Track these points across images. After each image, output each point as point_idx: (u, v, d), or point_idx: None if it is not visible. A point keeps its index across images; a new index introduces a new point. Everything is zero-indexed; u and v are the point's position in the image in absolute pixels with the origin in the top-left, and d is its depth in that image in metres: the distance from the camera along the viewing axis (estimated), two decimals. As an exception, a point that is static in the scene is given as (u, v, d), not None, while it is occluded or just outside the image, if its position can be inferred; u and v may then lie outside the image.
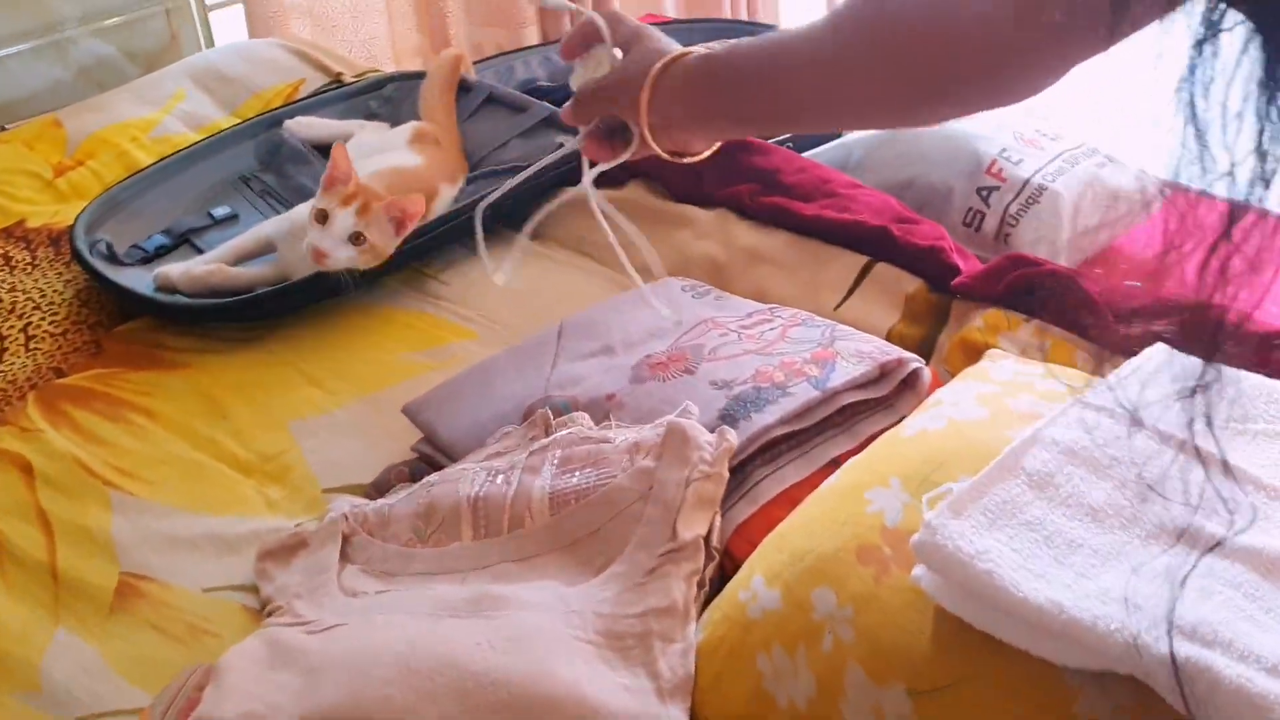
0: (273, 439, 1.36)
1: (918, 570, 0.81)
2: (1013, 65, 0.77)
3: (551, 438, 1.16)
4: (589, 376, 1.26)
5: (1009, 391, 1.05)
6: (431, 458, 1.27)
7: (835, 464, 1.11)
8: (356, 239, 1.47)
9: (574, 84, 1.01)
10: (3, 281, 1.66)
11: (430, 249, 1.62)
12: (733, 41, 0.92)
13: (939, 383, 1.19)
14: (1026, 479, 0.86)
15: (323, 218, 1.47)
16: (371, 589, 1.08)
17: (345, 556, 1.14)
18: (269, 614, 1.09)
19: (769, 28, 2.44)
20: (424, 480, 1.18)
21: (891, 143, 1.73)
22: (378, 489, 1.26)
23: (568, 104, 1.00)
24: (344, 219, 1.46)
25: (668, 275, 1.50)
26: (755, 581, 0.93)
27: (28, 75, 2.25)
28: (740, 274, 1.49)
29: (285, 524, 1.24)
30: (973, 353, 1.25)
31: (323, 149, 1.85)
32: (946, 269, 1.35)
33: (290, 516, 1.25)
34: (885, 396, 1.17)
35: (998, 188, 1.60)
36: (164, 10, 2.40)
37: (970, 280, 1.32)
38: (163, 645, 1.11)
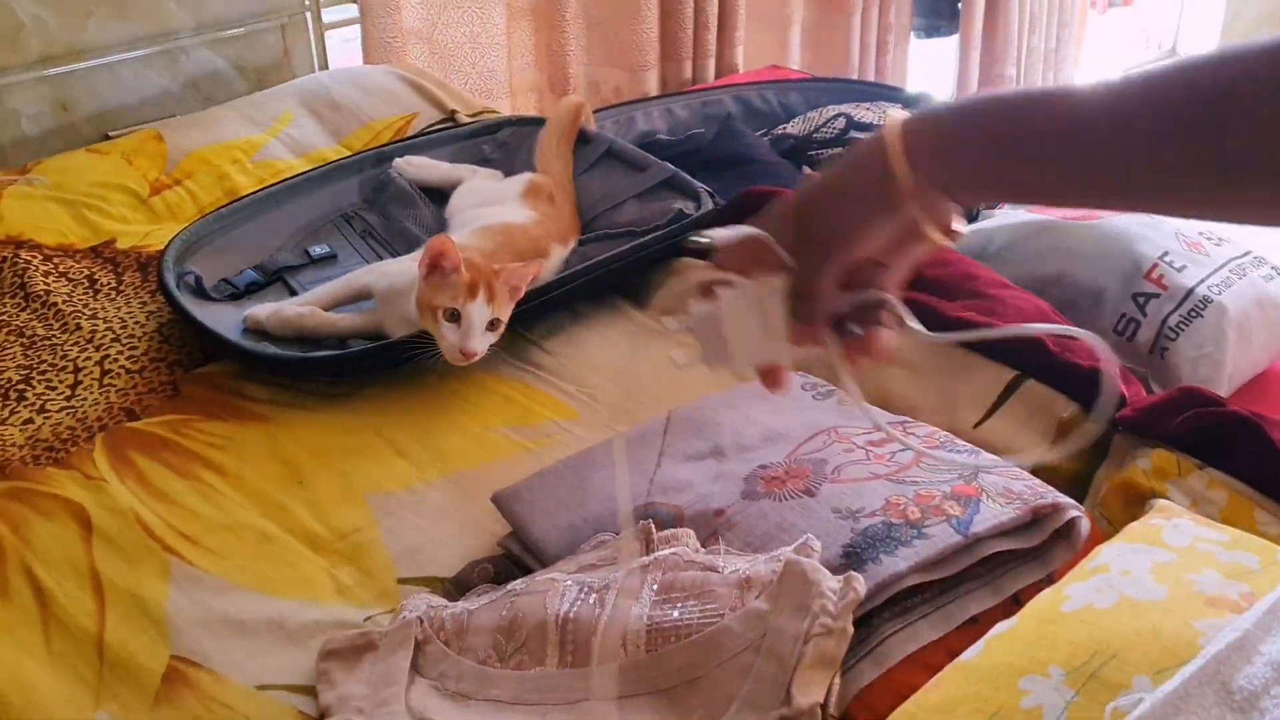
0: (349, 514, 1.25)
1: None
2: None
3: (652, 556, 1.04)
4: (696, 484, 1.14)
5: (1189, 564, 0.91)
6: (519, 557, 1.15)
7: (974, 622, 0.98)
8: (493, 325, 1.38)
9: (707, 357, 0.82)
10: (85, 306, 1.58)
11: (535, 314, 1.50)
12: (1011, 93, 0.73)
13: (1097, 533, 1.05)
14: (1228, 698, 0.72)
15: (453, 317, 1.36)
16: (441, 714, 0.97)
17: (416, 667, 1.03)
18: (326, 726, 0.99)
19: (894, 90, 2.32)
20: (509, 586, 1.06)
21: (1041, 233, 1.60)
22: (458, 587, 1.15)
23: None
24: (479, 312, 1.36)
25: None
26: (882, 769, 0.80)
27: (137, 82, 2.19)
28: (865, 374, 1.36)
29: (354, 614, 1.13)
30: (1134, 498, 1.11)
31: (430, 192, 1.75)
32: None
33: (360, 606, 1.15)
34: (1035, 547, 1.03)
35: (1157, 295, 1.46)
36: (279, 25, 2.33)
37: (1137, 413, 1.18)
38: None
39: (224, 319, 1.50)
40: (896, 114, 0.71)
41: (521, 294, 1.41)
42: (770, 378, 0.81)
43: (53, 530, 1.23)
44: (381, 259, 1.66)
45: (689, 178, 1.68)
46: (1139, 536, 0.96)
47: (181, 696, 1.06)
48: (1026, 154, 0.67)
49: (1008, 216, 1.67)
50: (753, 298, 0.75)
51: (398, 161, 1.79)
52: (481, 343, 1.37)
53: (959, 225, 0.72)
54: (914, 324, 0.76)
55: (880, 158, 0.68)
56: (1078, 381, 1.23)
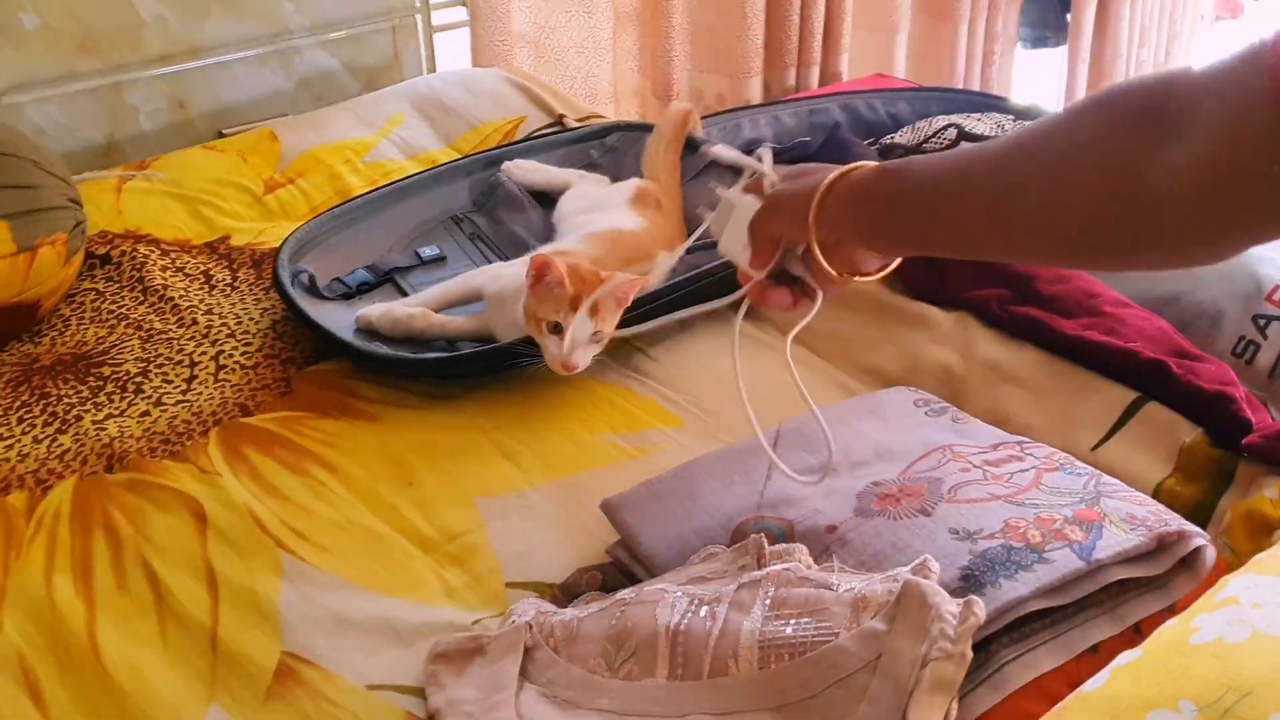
0: (459, 515, 1.26)
1: None
2: (1210, 227, 0.72)
3: (765, 571, 1.03)
4: (807, 498, 1.13)
5: (1323, 600, 0.88)
6: (627, 566, 1.15)
7: (1094, 651, 0.96)
8: (596, 336, 1.38)
9: (714, 230, 1.03)
10: (201, 302, 1.61)
11: (641, 322, 1.50)
12: (914, 158, 0.89)
13: (1220, 562, 1.02)
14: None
15: (556, 329, 1.36)
16: (551, 723, 0.97)
17: (525, 673, 1.03)
18: (437, 731, 0.99)
19: (999, 99, 2.28)
20: (618, 595, 1.06)
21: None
22: (566, 593, 1.15)
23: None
24: (581, 326, 1.35)
25: (896, 378, 1.36)
26: (1003, 799, 0.79)
27: (251, 81, 2.24)
28: (978, 390, 1.34)
29: (462, 617, 1.14)
30: (1260, 527, 1.08)
31: (538, 196, 1.76)
32: (1234, 422, 1.18)
33: (469, 608, 1.15)
34: (1158, 575, 1.00)
35: (1278, 317, 1.42)
36: (390, 27, 2.36)
37: (1265, 440, 1.14)
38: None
39: (336, 318, 1.52)
40: (832, 170, 0.92)
41: (628, 304, 1.41)
42: (743, 278, 1.03)
43: (169, 523, 1.25)
44: (490, 262, 1.67)
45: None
46: (1269, 568, 0.93)
47: (292, 693, 1.07)
48: (922, 215, 0.87)
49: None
50: (745, 212, 0.99)
51: (507, 165, 1.80)
52: (583, 356, 1.37)
53: (870, 267, 0.96)
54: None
55: (806, 203, 0.91)
56: (1201, 405, 1.21)
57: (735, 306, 1.06)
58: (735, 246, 1.01)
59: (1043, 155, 0.78)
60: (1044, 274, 1.40)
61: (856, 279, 0.96)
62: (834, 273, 0.94)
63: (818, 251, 0.92)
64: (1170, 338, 1.30)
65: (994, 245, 0.87)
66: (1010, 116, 1.97)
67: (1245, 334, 1.42)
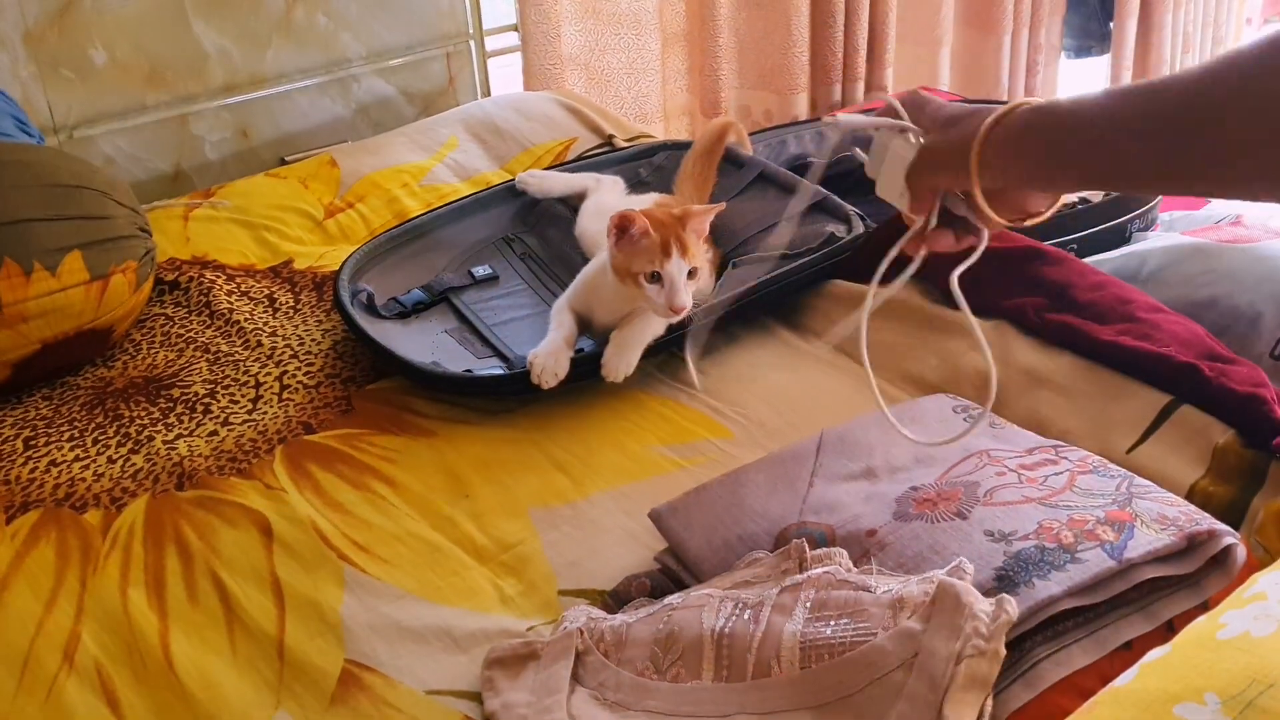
0: (513, 526, 1.30)
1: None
2: None
3: (806, 575, 1.06)
4: (848, 504, 1.16)
5: (1350, 595, 0.90)
6: (675, 572, 1.19)
7: (1128, 648, 0.98)
8: (692, 274, 1.46)
9: (870, 172, 1.00)
10: (265, 325, 1.67)
11: (688, 336, 1.55)
12: (1059, 99, 0.85)
13: (1253, 561, 1.04)
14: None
15: (655, 278, 1.44)
16: (602, 723, 1.01)
17: (576, 677, 1.07)
18: (491, 733, 1.03)
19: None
20: (665, 601, 1.10)
21: (1195, 256, 1.58)
22: (616, 600, 1.19)
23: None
24: (678, 268, 1.44)
25: (936, 386, 1.40)
26: (1033, 791, 0.81)
27: (312, 110, 2.31)
28: (1016, 396, 1.37)
29: (517, 624, 1.18)
30: (1293, 528, 1.10)
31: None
32: (1266, 422, 1.20)
33: (523, 616, 1.20)
34: (1189, 574, 1.03)
35: (1318, 320, 1.43)
36: (444, 54, 2.42)
37: (1297, 441, 1.17)
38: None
39: (393, 336, 1.57)
40: (985, 115, 0.87)
41: (706, 234, 1.49)
42: (906, 220, 1.00)
43: (236, 538, 1.31)
44: (540, 280, 1.72)
45: (839, 200, 1.71)
46: (1298, 566, 0.96)
47: (355, 699, 1.12)
48: (1054, 155, 0.84)
49: (1160, 239, 1.66)
50: (898, 158, 0.95)
51: (521, 177, 1.86)
52: (688, 296, 1.45)
53: (1037, 207, 0.92)
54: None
55: (964, 154, 0.87)
56: (1234, 407, 1.23)
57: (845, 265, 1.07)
58: (892, 192, 0.98)
59: (1236, 84, 0.74)
60: (1080, 282, 1.43)
61: (1026, 222, 0.93)
62: (999, 219, 0.91)
63: (981, 200, 0.88)
64: (1203, 341, 1.32)
65: (1179, 178, 0.81)
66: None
67: (1284, 335, 1.44)
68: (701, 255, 1.47)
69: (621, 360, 1.45)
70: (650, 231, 1.42)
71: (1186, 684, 0.83)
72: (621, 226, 1.43)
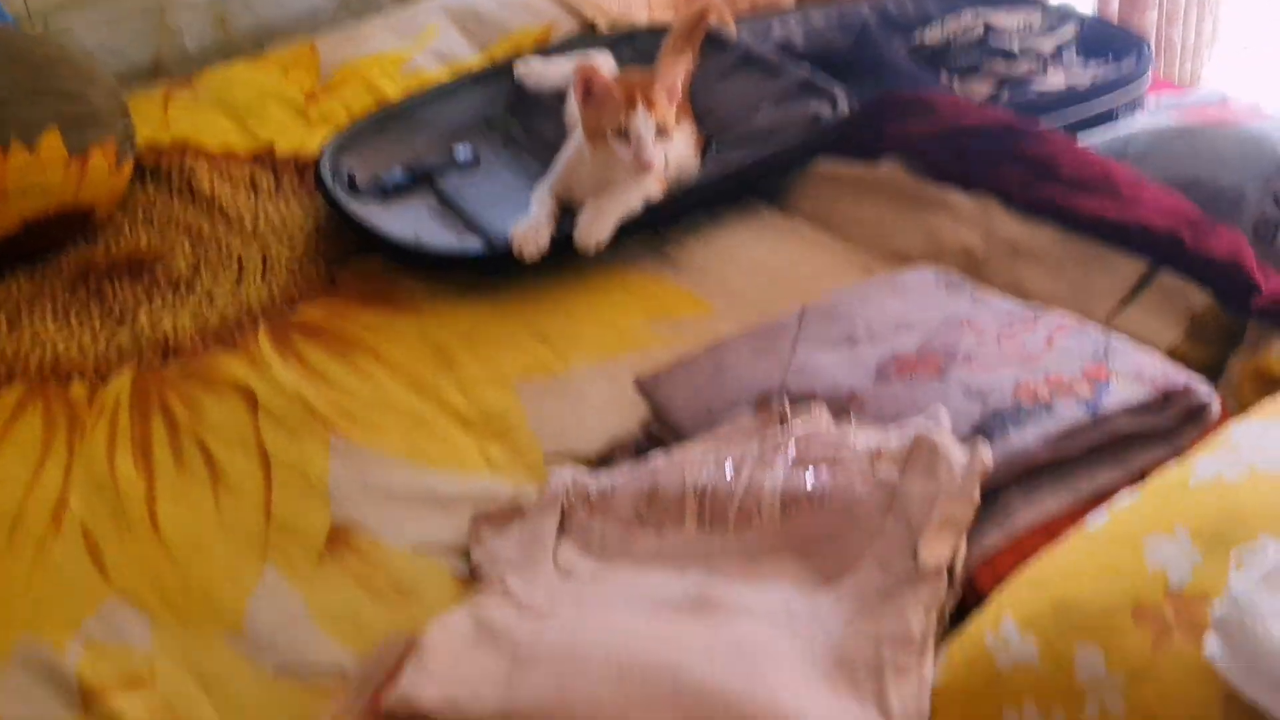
0: (498, 396, 1.31)
1: (1213, 647, 0.71)
2: None
3: (787, 432, 1.08)
4: (829, 369, 1.17)
5: (1321, 440, 0.91)
6: (659, 437, 1.20)
7: (1101, 498, 1.00)
8: (662, 132, 1.46)
9: None
10: (247, 206, 1.67)
11: (674, 215, 1.55)
12: None
13: (1227, 417, 1.06)
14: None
15: (623, 134, 1.45)
16: (587, 570, 1.03)
17: (563, 530, 1.08)
18: (479, 584, 1.05)
19: None
20: (649, 461, 1.11)
21: (1180, 137, 1.58)
22: (601, 464, 1.20)
23: None
24: (643, 123, 1.45)
25: (920, 261, 1.40)
26: (1006, 625, 0.83)
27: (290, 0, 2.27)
28: (1000, 269, 1.37)
29: (503, 486, 1.20)
30: (1268, 385, 1.12)
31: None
32: (1244, 285, 1.21)
33: (509, 479, 1.21)
34: (1165, 427, 1.04)
35: (1300, 197, 1.43)
36: (423, -58, 2.38)
37: (1274, 302, 1.17)
38: (367, 603, 1.08)
39: (375, 215, 1.57)
40: None
41: (679, 96, 1.49)
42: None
43: (222, 407, 1.32)
44: (522, 164, 1.72)
45: (826, 79, 1.70)
46: (1269, 413, 0.97)
47: (343, 556, 1.13)
48: None
49: (1147, 120, 1.65)
50: None
51: (518, 70, 1.85)
52: (656, 152, 1.46)
53: None
54: None
55: None
56: (1213, 271, 1.24)
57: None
58: None
59: None
60: (1062, 155, 1.43)
61: None
62: None
63: None
64: (1184, 209, 1.32)
65: None
66: (1039, 13, 1.98)
67: (1267, 214, 1.44)
68: (669, 115, 1.47)
69: (594, 228, 1.45)
70: (613, 88, 1.43)
71: (1158, 521, 0.85)
72: (585, 83, 1.43)
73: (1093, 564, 0.84)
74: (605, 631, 0.90)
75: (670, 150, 1.53)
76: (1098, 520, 0.91)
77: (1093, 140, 1.60)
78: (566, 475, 1.14)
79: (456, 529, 1.14)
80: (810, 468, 1.02)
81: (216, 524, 1.18)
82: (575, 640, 0.89)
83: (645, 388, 1.24)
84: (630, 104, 1.42)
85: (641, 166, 1.43)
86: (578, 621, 0.92)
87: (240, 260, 1.56)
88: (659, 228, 1.55)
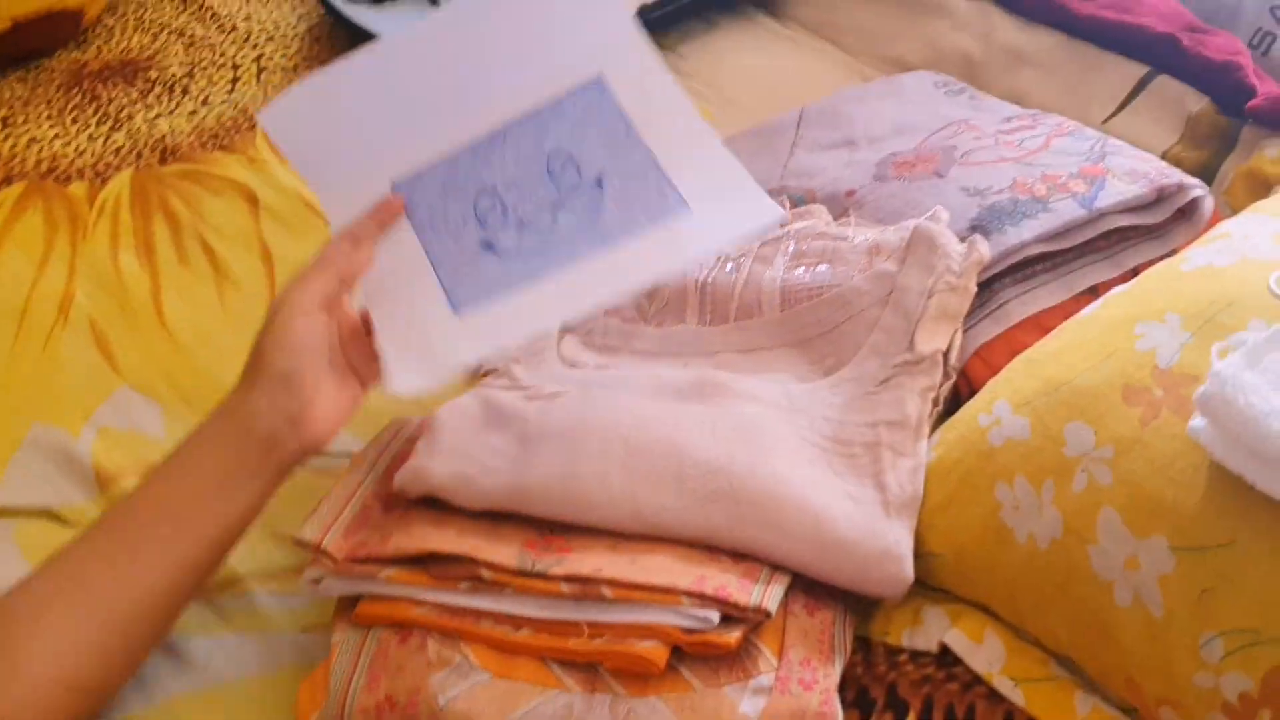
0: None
1: (1197, 422, 0.74)
2: None
3: (786, 229, 1.09)
4: (828, 169, 1.19)
5: (1310, 233, 0.94)
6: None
7: (1093, 293, 1.02)
8: None
9: None
10: (239, 10, 1.65)
11: (668, 21, 1.53)
12: None
13: (1219, 216, 1.08)
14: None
15: None
16: (591, 361, 1.05)
17: (565, 328, 1.11)
18: (484, 374, 1.08)
19: None
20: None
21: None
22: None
23: None
24: None
25: (918, 68, 1.40)
26: (999, 406, 0.87)
27: None
28: (998, 75, 1.38)
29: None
30: (1260, 186, 1.13)
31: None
32: (1240, 89, 1.22)
33: (510, 278, 1.23)
34: (1158, 225, 1.06)
35: (1298, 8, 1.43)
36: None
37: (1268, 103, 1.18)
38: (375, 395, 1.10)
39: (369, 19, 1.55)
40: None
41: None
42: None
43: (222, 206, 1.32)
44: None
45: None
46: (1263, 209, 0.99)
47: (350, 347, 1.16)
48: None
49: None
50: None
51: None
52: None
53: None
54: None
55: None
56: (1210, 76, 1.24)
57: None
58: None
59: None
60: (1064, -41, 1.42)
61: None
62: None
63: None
64: (1183, 14, 1.32)
65: None
66: None
67: (1263, 25, 1.44)
68: None
69: None
70: None
71: (1148, 306, 0.88)
72: None
73: (1084, 348, 0.87)
74: (611, 410, 0.92)
75: None
76: (1091, 309, 0.94)
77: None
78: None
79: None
80: (809, 262, 1.05)
81: (222, 317, 1.20)
82: (582, 419, 0.92)
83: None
84: None
85: None
86: (584, 403, 0.94)
87: (234, 64, 1.55)
88: (653, 33, 1.53)
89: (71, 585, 0.78)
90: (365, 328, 0.92)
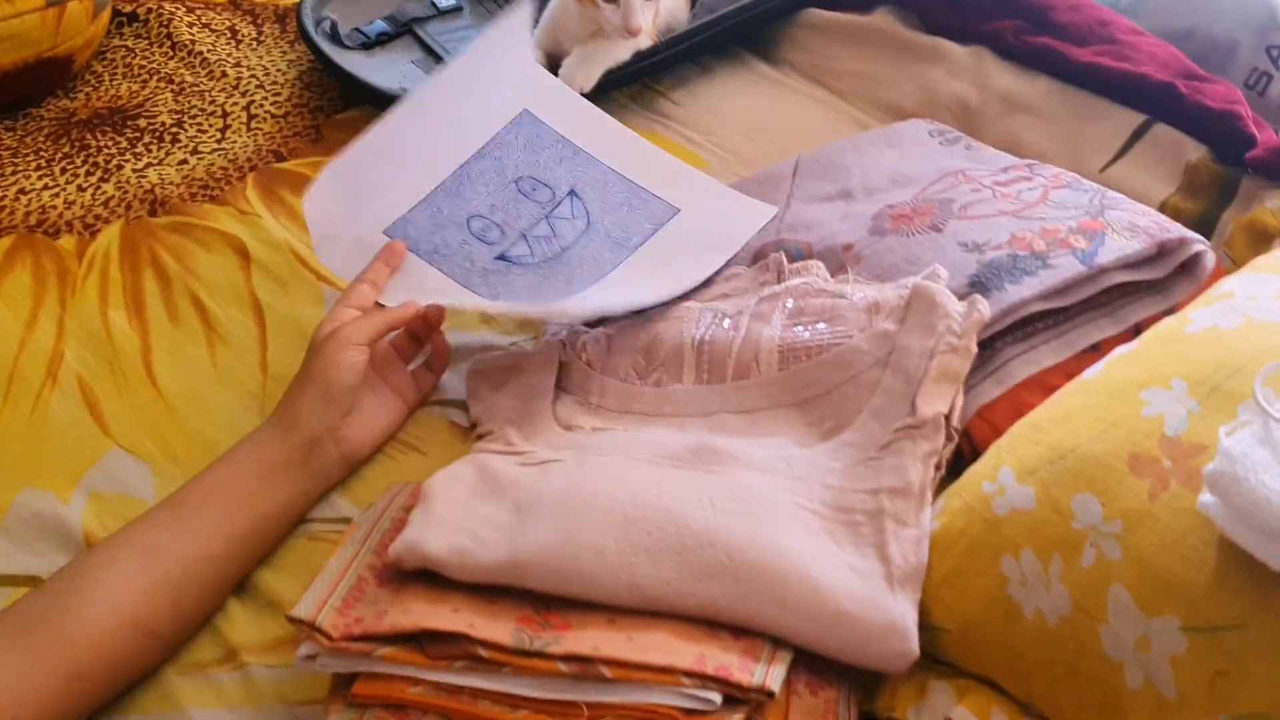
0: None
1: (1206, 498, 0.72)
2: None
3: (784, 285, 1.08)
4: (825, 222, 1.18)
5: (1314, 292, 0.93)
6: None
7: (1095, 350, 1.02)
8: None
9: None
10: (229, 56, 1.63)
11: (662, 66, 1.53)
12: None
13: (1220, 270, 1.07)
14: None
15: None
16: (587, 424, 1.04)
17: (561, 385, 1.09)
18: (479, 436, 1.06)
19: None
20: (646, 313, 1.12)
21: (1174, -16, 1.56)
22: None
23: None
24: None
25: (913, 114, 1.39)
26: (1004, 474, 0.85)
27: None
28: (993, 121, 1.37)
29: (499, 340, 1.20)
30: (1261, 238, 1.13)
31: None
32: (1239, 139, 1.21)
33: (505, 333, 1.21)
34: (1159, 280, 1.05)
35: (1293, 49, 1.43)
36: None
37: (1268, 154, 1.18)
38: (370, 460, 1.09)
39: (359, 66, 1.54)
40: None
41: None
42: None
43: (213, 260, 1.31)
44: (498, 5, 1.69)
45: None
46: (1265, 268, 0.98)
47: (343, 408, 1.14)
48: None
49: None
50: None
51: None
52: (644, 16, 1.42)
53: None
54: None
55: None
56: (1209, 124, 1.24)
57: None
58: None
59: None
60: (1058, 3, 1.41)
61: None
62: None
63: None
64: (1181, 62, 1.32)
65: None
66: None
67: (1259, 65, 1.43)
68: None
69: (579, 72, 1.43)
70: None
71: (1153, 371, 0.86)
72: None
73: (1089, 414, 0.86)
74: (607, 480, 0.91)
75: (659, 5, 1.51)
76: (1094, 371, 0.92)
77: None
78: (562, 329, 1.14)
79: (455, 381, 1.15)
80: (808, 320, 1.03)
81: (213, 377, 1.18)
82: (578, 489, 0.91)
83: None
84: None
85: (630, 32, 1.41)
86: (580, 472, 0.93)
87: (224, 111, 1.53)
88: (647, 80, 1.53)
89: (136, 545, 0.93)
90: (401, 355, 1.12)
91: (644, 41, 1.46)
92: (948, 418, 0.93)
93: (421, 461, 1.08)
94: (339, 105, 1.54)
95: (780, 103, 1.50)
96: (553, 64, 1.48)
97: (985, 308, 0.98)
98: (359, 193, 1.17)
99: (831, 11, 1.57)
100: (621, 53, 1.45)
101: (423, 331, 1.15)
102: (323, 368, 1.01)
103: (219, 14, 1.73)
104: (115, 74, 1.62)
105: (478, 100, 1.22)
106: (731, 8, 1.53)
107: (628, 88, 1.51)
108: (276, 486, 0.99)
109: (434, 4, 1.69)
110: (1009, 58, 1.42)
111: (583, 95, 1.38)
